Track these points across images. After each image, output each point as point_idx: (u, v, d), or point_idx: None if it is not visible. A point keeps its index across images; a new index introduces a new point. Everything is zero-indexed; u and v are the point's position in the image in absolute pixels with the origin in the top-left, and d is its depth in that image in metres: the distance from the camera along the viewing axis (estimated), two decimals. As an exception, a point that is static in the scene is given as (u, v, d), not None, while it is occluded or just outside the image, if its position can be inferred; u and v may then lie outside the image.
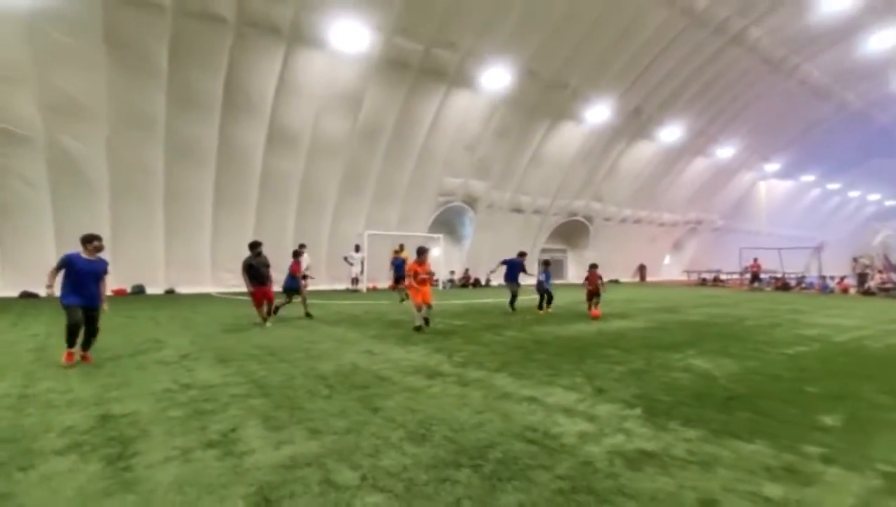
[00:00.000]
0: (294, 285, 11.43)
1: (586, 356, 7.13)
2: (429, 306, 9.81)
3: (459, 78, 19.08)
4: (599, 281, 12.15)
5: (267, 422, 4.15)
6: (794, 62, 24.94)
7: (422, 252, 10.02)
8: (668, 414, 4.43)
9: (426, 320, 9.78)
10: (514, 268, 13.28)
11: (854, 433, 4.09)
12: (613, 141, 26.18)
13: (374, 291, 20.42)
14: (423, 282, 9.82)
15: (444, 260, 24.21)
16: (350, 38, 15.77)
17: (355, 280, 19.98)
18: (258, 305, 10.06)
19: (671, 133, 27.16)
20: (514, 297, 13.04)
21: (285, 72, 16.12)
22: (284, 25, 15.03)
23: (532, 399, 4.91)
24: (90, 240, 6.39)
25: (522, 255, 13.65)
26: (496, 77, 19.35)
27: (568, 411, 4.53)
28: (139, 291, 16.76)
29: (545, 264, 13.75)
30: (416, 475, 3.14)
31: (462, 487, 2.99)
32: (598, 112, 23.49)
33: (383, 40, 16.46)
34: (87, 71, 13.64)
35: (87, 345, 6.32)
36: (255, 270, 9.84)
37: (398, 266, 16.08)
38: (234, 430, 3.93)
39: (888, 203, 52.12)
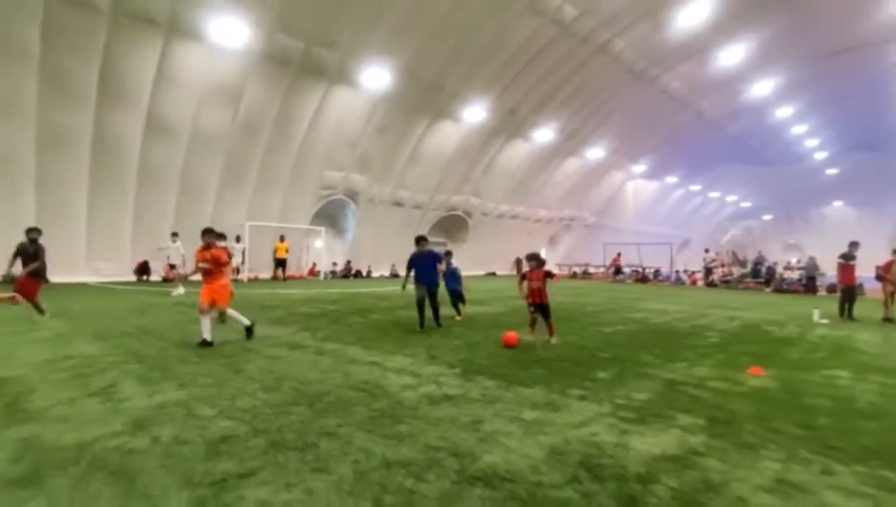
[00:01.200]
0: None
1: (434, 334, 8.66)
2: (221, 310, 7.71)
3: (340, 76, 20.23)
4: (545, 277, 8.34)
5: (142, 380, 5.23)
6: (654, 73, 27.90)
7: (206, 233, 7.71)
8: (479, 373, 5.93)
9: (248, 330, 7.70)
10: (426, 263, 9.29)
11: (614, 382, 5.64)
12: (491, 140, 28.60)
13: (255, 280, 20.81)
14: (208, 275, 7.53)
15: (326, 252, 25.04)
16: (229, 32, 16.34)
17: (236, 270, 20.25)
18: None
19: (545, 134, 30.05)
20: (432, 304, 9.30)
21: (163, 63, 16.36)
22: (161, 17, 15.34)
23: (374, 363, 6.32)
24: None
25: (422, 240, 9.43)
26: (376, 76, 20.75)
27: (400, 371, 5.99)
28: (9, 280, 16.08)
29: (447, 255, 11.28)
30: (262, 410, 4.42)
31: (296, 416, 4.32)
32: (475, 112, 25.65)
33: (263, 36, 17.21)
34: None
35: None
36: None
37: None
38: (112, 385, 4.96)
39: (743, 204, 59.03)
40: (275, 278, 21.57)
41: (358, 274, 26.12)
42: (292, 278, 21.81)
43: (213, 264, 7.52)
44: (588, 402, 4.91)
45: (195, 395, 4.79)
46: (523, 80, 25.12)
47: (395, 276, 27.37)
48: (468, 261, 33.36)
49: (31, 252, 8.89)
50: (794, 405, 5.00)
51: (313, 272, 24.89)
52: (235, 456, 3.46)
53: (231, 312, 7.71)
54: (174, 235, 15.62)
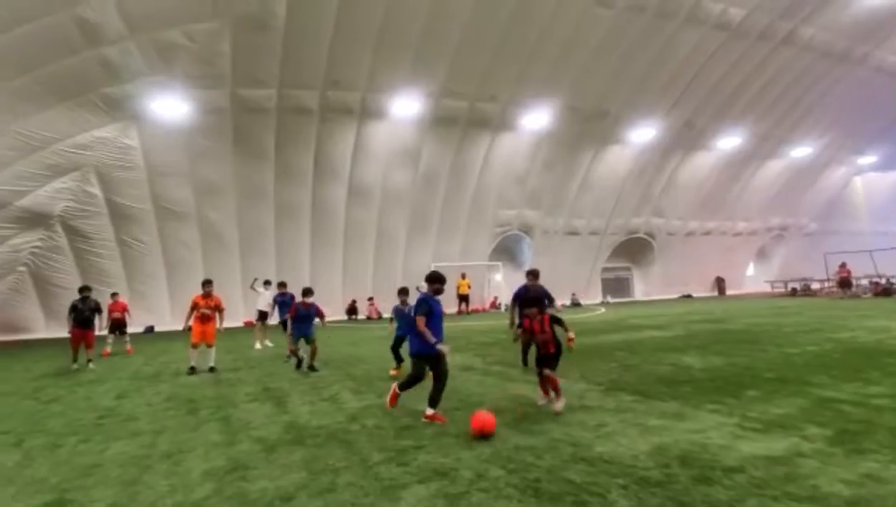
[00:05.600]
0: (307, 332, 9.63)
1: (593, 358, 9.51)
2: (209, 345, 9.67)
3: (503, 124, 22.59)
4: (549, 310, 6.76)
5: (353, 391, 7.35)
6: (861, 51, 24.76)
7: (206, 284, 10.11)
8: (622, 390, 6.81)
9: (211, 368, 9.53)
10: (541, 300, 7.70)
11: (758, 399, 5.91)
12: (667, 156, 27.95)
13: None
14: (203, 319, 9.75)
15: (505, 285, 26.96)
16: (406, 106, 20.16)
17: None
18: (74, 346, 10.75)
19: (730, 141, 28.22)
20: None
21: (359, 141, 20.84)
22: (356, 107, 19.79)
23: (529, 382, 7.61)
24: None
25: (534, 275, 8.86)
26: (537, 118, 22.56)
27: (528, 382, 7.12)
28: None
29: (401, 294, 9.29)
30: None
31: (458, 415, 5.91)
32: (644, 132, 25.57)
33: (433, 103, 20.57)
34: (221, 161, 19.42)
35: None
36: (80, 312, 10.80)
37: (282, 305, 13.19)
38: (336, 394, 7.14)
39: None
40: (459, 312, 24.15)
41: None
42: (475, 311, 24.12)
43: (213, 309, 9.90)
44: (718, 415, 5.39)
45: (392, 401, 6.74)
46: (695, 91, 24.40)
47: (576, 305, 28.01)
48: (658, 284, 32.30)
49: (85, 308, 11.06)
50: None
51: (495, 305, 27.02)
52: (412, 437, 5.12)
53: (213, 349, 9.81)
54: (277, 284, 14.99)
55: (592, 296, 30.44)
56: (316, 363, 9.46)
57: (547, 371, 6.09)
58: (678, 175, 29.19)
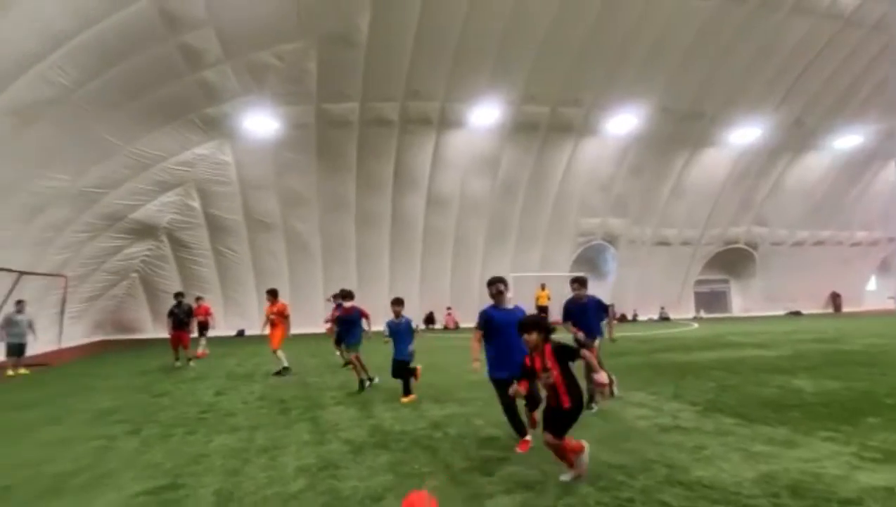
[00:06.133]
0: (352, 341, 9.00)
1: (688, 375, 9.11)
2: (272, 351, 10.52)
3: (586, 128, 22.19)
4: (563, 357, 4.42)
5: (435, 400, 7.50)
6: None
7: (268, 293, 11.02)
8: (720, 411, 6.40)
9: (284, 368, 10.25)
10: (588, 312, 7.39)
11: (880, 427, 5.46)
12: (773, 159, 26.14)
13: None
14: (270, 324, 10.66)
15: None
16: (486, 114, 20.36)
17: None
18: (174, 347, 12.21)
19: (848, 140, 25.89)
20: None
21: (437, 150, 21.32)
22: (434, 117, 20.29)
23: (616, 398, 7.27)
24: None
25: (580, 283, 7.53)
26: (624, 122, 21.92)
27: (640, 405, 6.93)
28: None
29: (395, 305, 8.13)
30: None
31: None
32: (746, 133, 24.06)
33: (513, 110, 20.62)
34: (306, 174, 20.62)
35: None
36: (175, 316, 12.23)
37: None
38: (419, 403, 7.29)
39: None
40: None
41: (623, 318, 26.46)
42: (556, 324, 23.63)
43: (277, 316, 10.59)
44: (833, 443, 4.98)
45: (471, 411, 6.78)
46: (804, 87, 22.76)
47: (665, 319, 26.75)
48: (759, 300, 30.17)
49: (180, 312, 12.44)
50: None
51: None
52: (496, 448, 5.15)
53: (280, 352, 10.41)
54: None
55: (684, 310, 28.93)
56: (369, 371, 8.76)
57: (548, 436, 4.26)
58: (785, 179, 27.16)
